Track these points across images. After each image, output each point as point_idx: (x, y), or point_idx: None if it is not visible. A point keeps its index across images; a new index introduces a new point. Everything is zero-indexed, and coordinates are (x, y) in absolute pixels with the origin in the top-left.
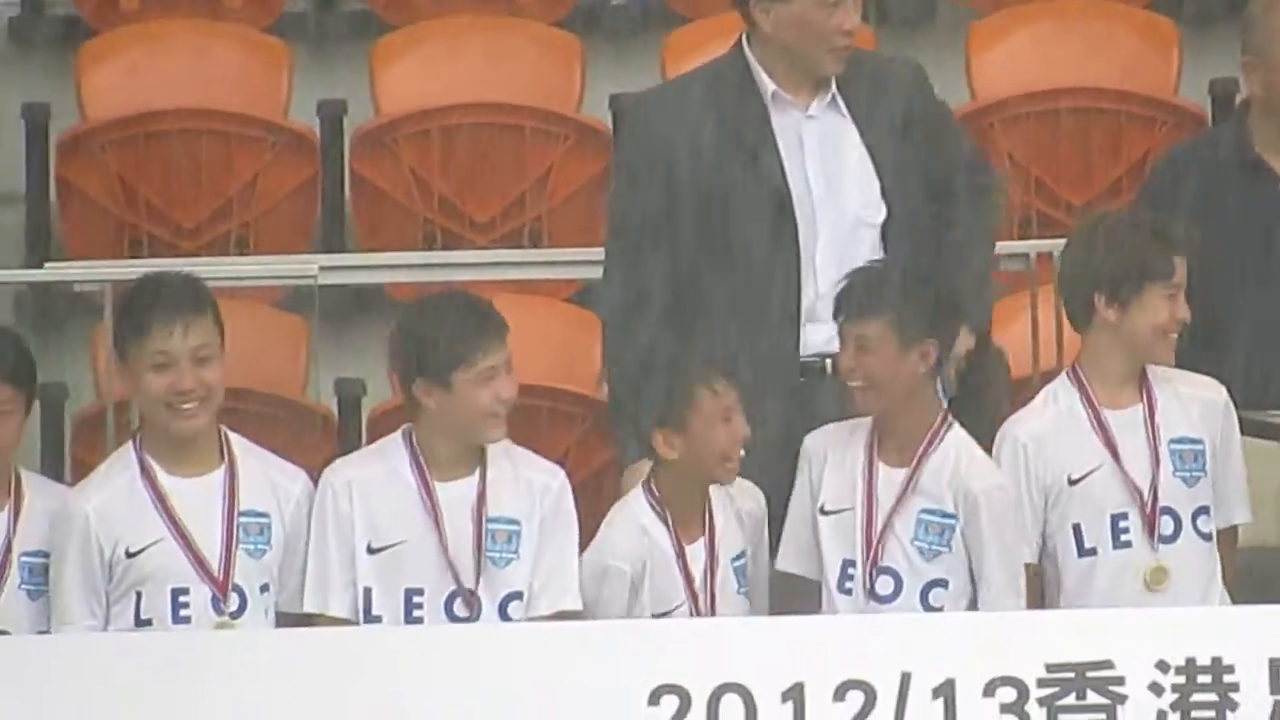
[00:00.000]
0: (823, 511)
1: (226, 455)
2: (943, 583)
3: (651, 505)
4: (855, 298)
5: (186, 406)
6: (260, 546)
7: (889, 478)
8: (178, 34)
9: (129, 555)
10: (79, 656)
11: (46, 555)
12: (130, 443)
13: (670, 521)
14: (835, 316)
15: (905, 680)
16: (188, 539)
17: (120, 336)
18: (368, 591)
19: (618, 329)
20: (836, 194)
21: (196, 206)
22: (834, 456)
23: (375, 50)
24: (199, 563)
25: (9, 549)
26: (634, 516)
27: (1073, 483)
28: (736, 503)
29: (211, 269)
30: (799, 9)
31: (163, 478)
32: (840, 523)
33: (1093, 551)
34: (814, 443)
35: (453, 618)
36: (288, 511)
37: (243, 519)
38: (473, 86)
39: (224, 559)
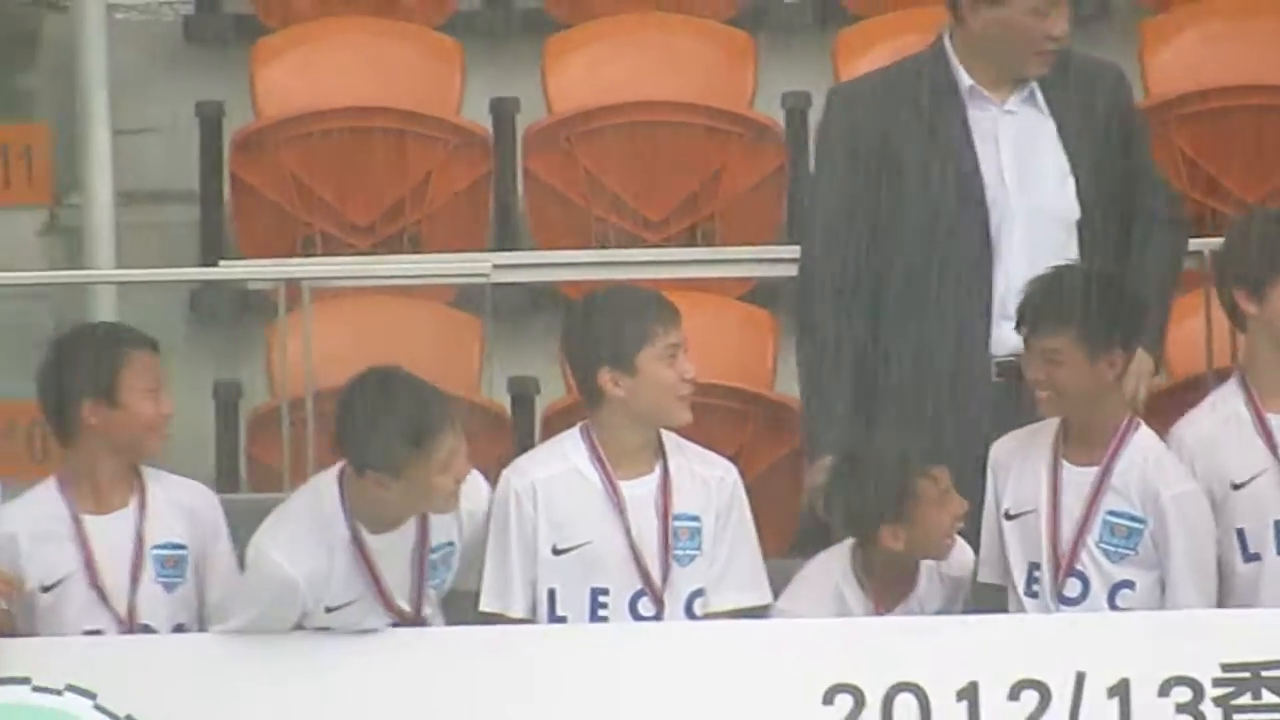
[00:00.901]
0: (1007, 516)
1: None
2: (1129, 584)
3: (856, 575)
4: (1040, 310)
5: None
6: (445, 579)
7: (1075, 478)
8: (351, 32)
9: (328, 611)
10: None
11: (179, 547)
12: (335, 498)
13: (871, 593)
14: (1018, 328)
15: (1080, 680)
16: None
17: None
18: (552, 593)
19: (811, 321)
20: (1030, 189)
21: (370, 204)
22: (1018, 461)
23: (548, 48)
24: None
25: (140, 544)
26: (834, 581)
27: (1236, 487)
28: (941, 567)
29: (384, 267)
30: (1010, 14)
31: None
32: (1024, 525)
33: (1257, 557)
34: (999, 450)
35: (637, 617)
36: (466, 530)
37: (432, 555)
38: (646, 84)
39: (414, 601)
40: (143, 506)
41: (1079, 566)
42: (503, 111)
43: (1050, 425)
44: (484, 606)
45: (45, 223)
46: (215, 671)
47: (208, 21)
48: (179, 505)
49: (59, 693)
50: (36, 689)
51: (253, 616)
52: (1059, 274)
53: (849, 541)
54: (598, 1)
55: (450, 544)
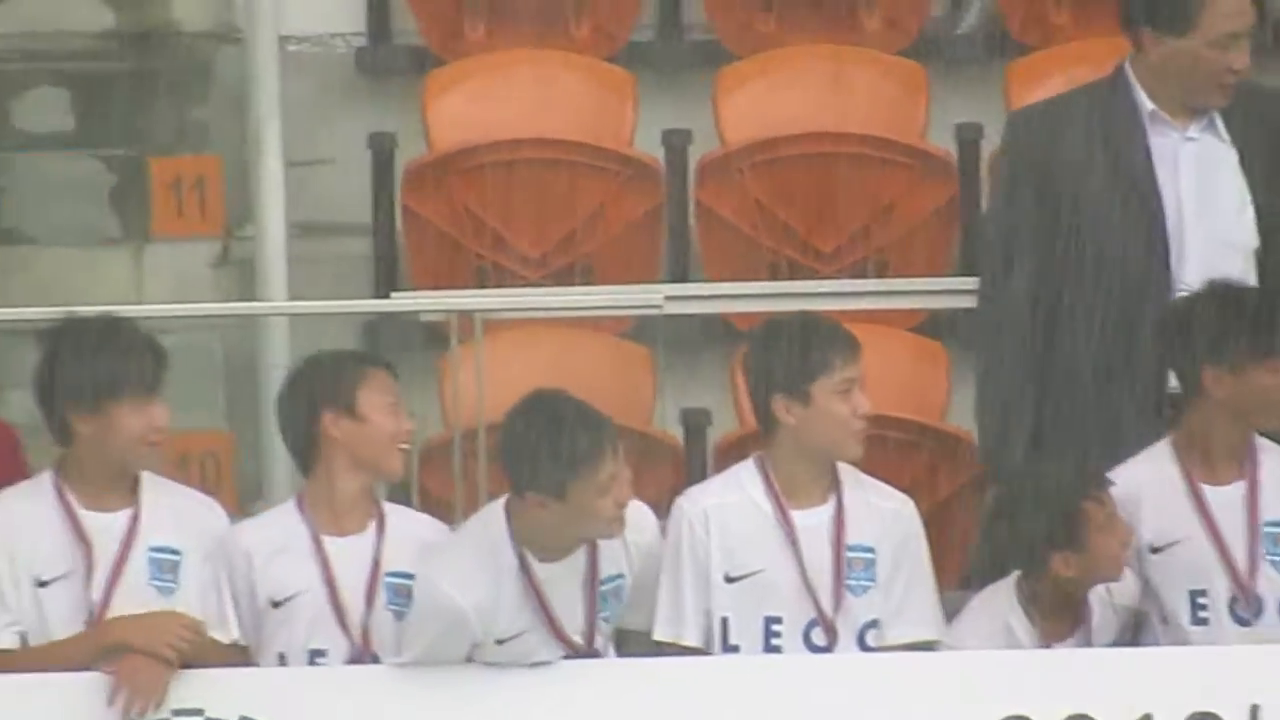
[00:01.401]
0: (1152, 550)
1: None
2: None
3: (1023, 606)
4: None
5: None
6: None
7: (1219, 499)
8: (523, 64)
9: (499, 643)
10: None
11: (409, 577)
12: (503, 527)
13: (1039, 624)
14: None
15: (1254, 713)
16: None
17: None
18: (724, 620)
19: (991, 346)
20: (1209, 216)
21: (542, 236)
22: (1147, 493)
23: (720, 79)
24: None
25: (377, 569)
26: (1002, 613)
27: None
28: (1113, 597)
29: (557, 299)
30: (1192, 45)
31: (532, 562)
32: (1173, 556)
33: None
34: (1124, 486)
35: (811, 647)
36: (638, 564)
37: (602, 587)
38: (817, 115)
39: (587, 633)
40: (381, 532)
41: (1258, 588)
42: (675, 143)
43: (1163, 451)
44: (657, 635)
45: (218, 254)
46: (388, 704)
47: (380, 53)
48: (414, 538)
49: None
50: None
51: (424, 648)
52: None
53: (1016, 573)
54: (770, 33)
55: (620, 576)
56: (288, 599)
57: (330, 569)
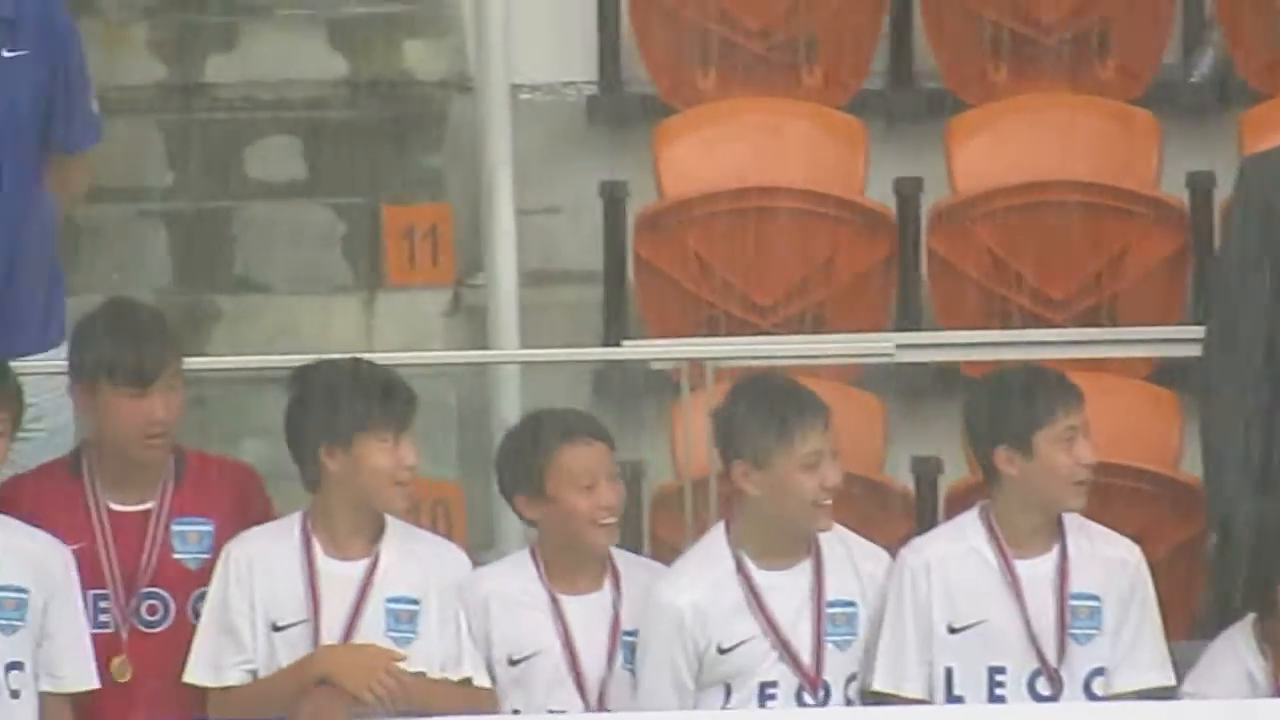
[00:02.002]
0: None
1: (812, 546)
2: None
3: (1259, 649)
4: None
5: (828, 503)
6: (848, 637)
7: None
8: (754, 112)
9: (721, 651)
10: None
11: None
12: (721, 532)
13: (1277, 667)
14: None
15: None
16: (778, 632)
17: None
18: (949, 671)
19: (1218, 388)
20: None
21: (773, 284)
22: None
23: (951, 128)
24: (791, 659)
25: (616, 627)
26: (1240, 659)
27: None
28: None
29: (787, 346)
30: None
31: (752, 571)
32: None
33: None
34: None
35: (1035, 696)
36: (870, 593)
37: (830, 609)
38: (1048, 163)
39: (815, 653)
40: (617, 589)
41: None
42: (906, 191)
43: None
44: (877, 685)
45: (449, 302)
46: None
47: (611, 102)
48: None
49: None
50: None
51: (652, 665)
52: None
53: (1250, 617)
54: (1001, 82)
55: (852, 604)
56: (525, 658)
57: (569, 631)
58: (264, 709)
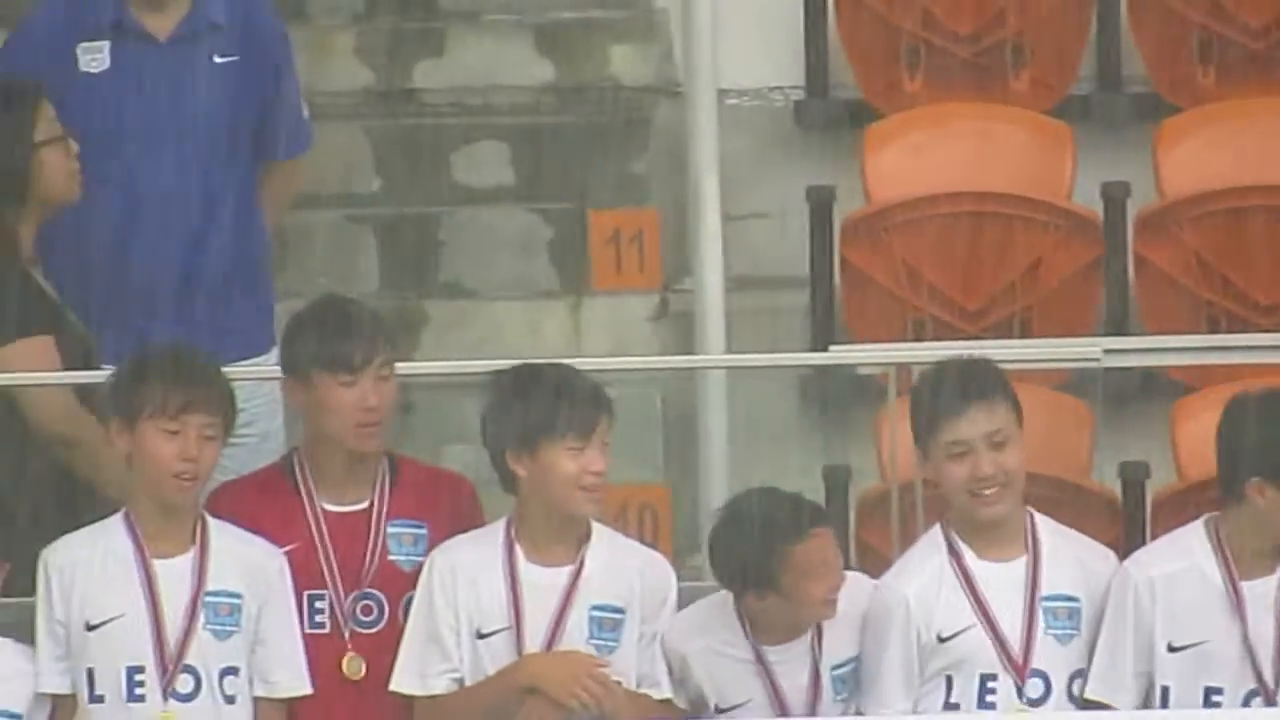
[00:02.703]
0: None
1: (1031, 537)
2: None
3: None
4: None
5: (988, 493)
6: (1070, 632)
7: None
8: (961, 116)
9: (940, 640)
10: None
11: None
12: (939, 526)
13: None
14: None
15: None
16: (994, 625)
17: (919, 422)
18: (1165, 690)
19: None
20: None
21: (980, 289)
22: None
23: (1160, 132)
24: (1003, 649)
25: (817, 666)
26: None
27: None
28: None
29: (994, 351)
30: None
31: (970, 561)
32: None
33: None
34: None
35: None
36: (1096, 590)
37: (1046, 602)
38: (1258, 168)
39: (1025, 644)
40: (819, 633)
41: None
42: (1114, 195)
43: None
44: (1090, 693)
45: (656, 308)
46: None
47: (818, 106)
48: (855, 619)
49: None
50: None
51: (887, 665)
52: None
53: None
54: (1208, 87)
55: (1074, 599)
56: (735, 706)
57: (774, 679)
58: (472, 714)
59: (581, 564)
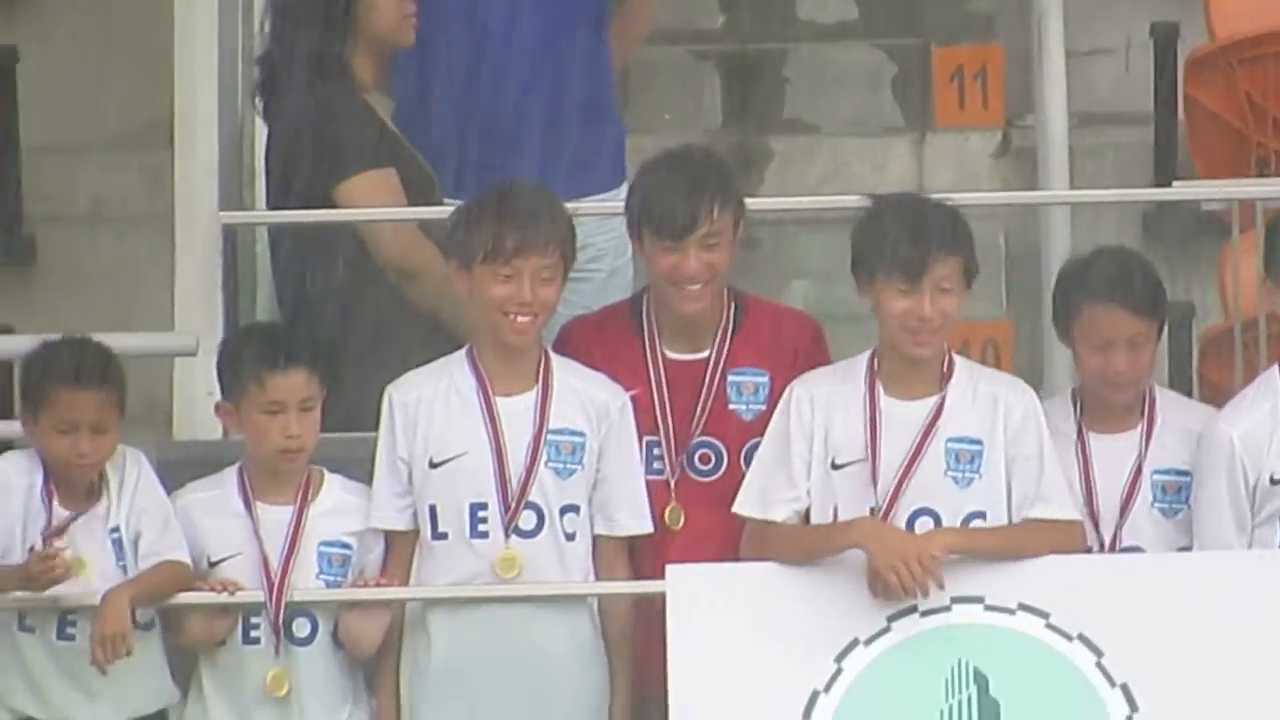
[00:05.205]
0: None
1: None
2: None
3: None
4: None
5: None
6: None
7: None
8: None
9: (1273, 482)
10: None
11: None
12: (1276, 367)
13: None
14: None
15: None
16: None
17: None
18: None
19: None
20: None
21: None
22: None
23: None
24: None
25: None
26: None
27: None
28: None
29: None
30: None
31: None
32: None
33: None
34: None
35: None
36: None
37: None
38: None
39: None
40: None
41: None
42: (1165, 35)
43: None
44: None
45: (999, 144)
46: (1159, 591)
47: None
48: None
49: (1011, 612)
50: (989, 608)
51: (1211, 501)
52: None
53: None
54: None
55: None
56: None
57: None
58: (794, 554)
59: (943, 399)
